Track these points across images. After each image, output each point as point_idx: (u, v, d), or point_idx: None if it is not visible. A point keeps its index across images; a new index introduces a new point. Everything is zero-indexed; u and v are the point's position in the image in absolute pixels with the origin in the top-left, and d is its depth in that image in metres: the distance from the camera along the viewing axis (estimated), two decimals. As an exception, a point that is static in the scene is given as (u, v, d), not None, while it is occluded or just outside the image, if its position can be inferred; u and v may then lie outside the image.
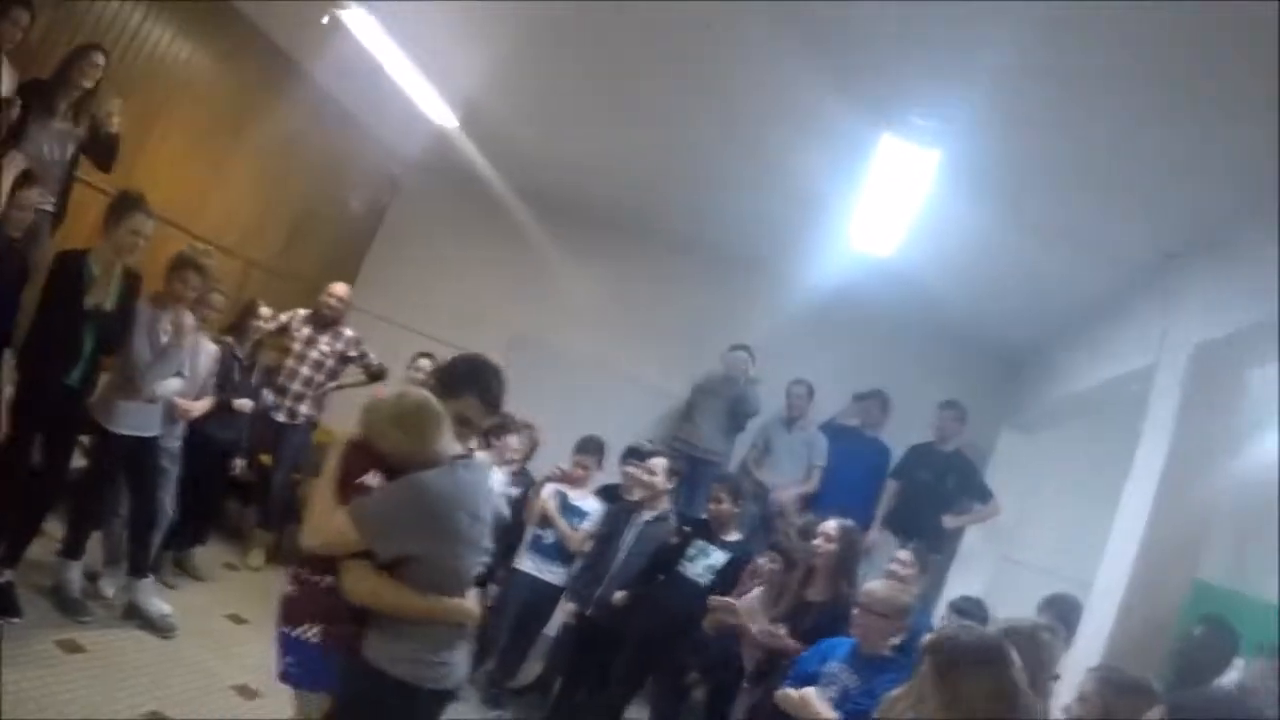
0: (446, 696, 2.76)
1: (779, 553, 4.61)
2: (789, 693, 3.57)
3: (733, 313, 7.10)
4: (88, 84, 4.72)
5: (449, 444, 2.71)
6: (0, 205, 3.81)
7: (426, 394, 2.73)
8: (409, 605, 2.62)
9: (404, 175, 8.54)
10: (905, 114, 3.97)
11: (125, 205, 4.30)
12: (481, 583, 2.91)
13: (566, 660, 5.71)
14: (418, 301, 8.10)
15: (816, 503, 6.36)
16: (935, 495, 6.39)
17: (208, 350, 5.20)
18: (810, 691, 3.53)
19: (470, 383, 2.81)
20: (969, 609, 4.44)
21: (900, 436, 6.77)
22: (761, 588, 4.48)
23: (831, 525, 4.25)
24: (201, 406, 5.15)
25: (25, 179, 3.96)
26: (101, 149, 4.83)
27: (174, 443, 5.07)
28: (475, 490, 2.75)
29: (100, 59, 4.74)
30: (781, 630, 4.11)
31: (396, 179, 8.55)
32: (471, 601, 2.76)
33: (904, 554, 4.76)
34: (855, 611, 3.65)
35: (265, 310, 5.85)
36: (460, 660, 2.76)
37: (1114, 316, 5.14)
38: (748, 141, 5.20)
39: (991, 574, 6.04)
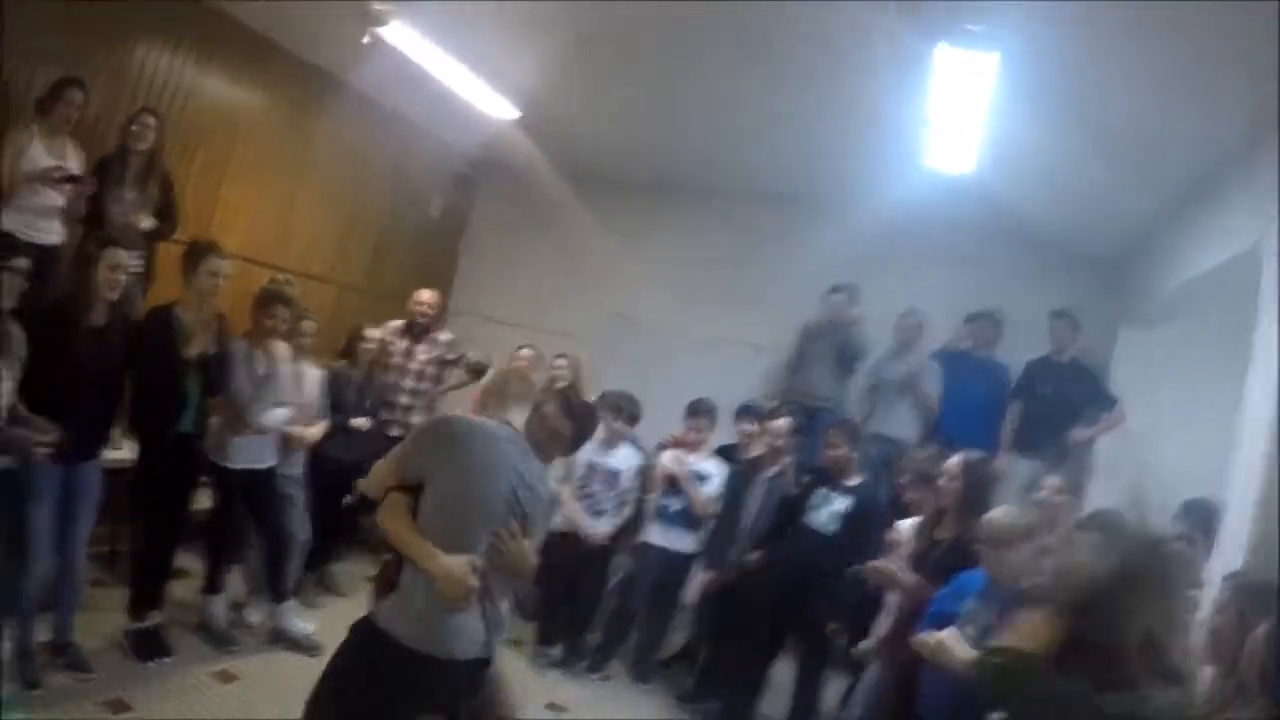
0: (443, 665, 2.67)
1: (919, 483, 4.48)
2: (925, 636, 3.41)
3: (819, 254, 6.91)
4: (143, 146, 4.91)
5: (516, 416, 2.89)
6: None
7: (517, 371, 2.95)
8: (404, 538, 2.67)
9: (476, 174, 8.61)
10: (958, 23, 3.81)
11: (199, 252, 4.41)
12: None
13: (708, 627, 5.70)
14: (513, 295, 8.19)
15: (938, 433, 6.21)
16: (1060, 409, 6.11)
17: (312, 376, 5.33)
18: (948, 634, 3.34)
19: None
20: (1103, 524, 4.18)
21: (1012, 356, 6.51)
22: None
23: (954, 462, 4.03)
24: (315, 432, 5.29)
25: (108, 241, 4.09)
26: (162, 223, 5.08)
27: (295, 470, 5.22)
28: (498, 443, 2.78)
29: (151, 120, 4.93)
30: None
31: (469, 179, 8.62)
32: (456, 563, 2.62)
33: (1053, 479, 4.48)
34: (979, 545, 3.49)
35: (371, 332, 5.96)
36: (457, 632, 2.67)
37: (1212, 199, 4.83)
38: (803, 78, 5.03)
39: (1129, 485, 5.77)
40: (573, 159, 7.59)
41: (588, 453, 5.53)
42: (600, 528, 5.54)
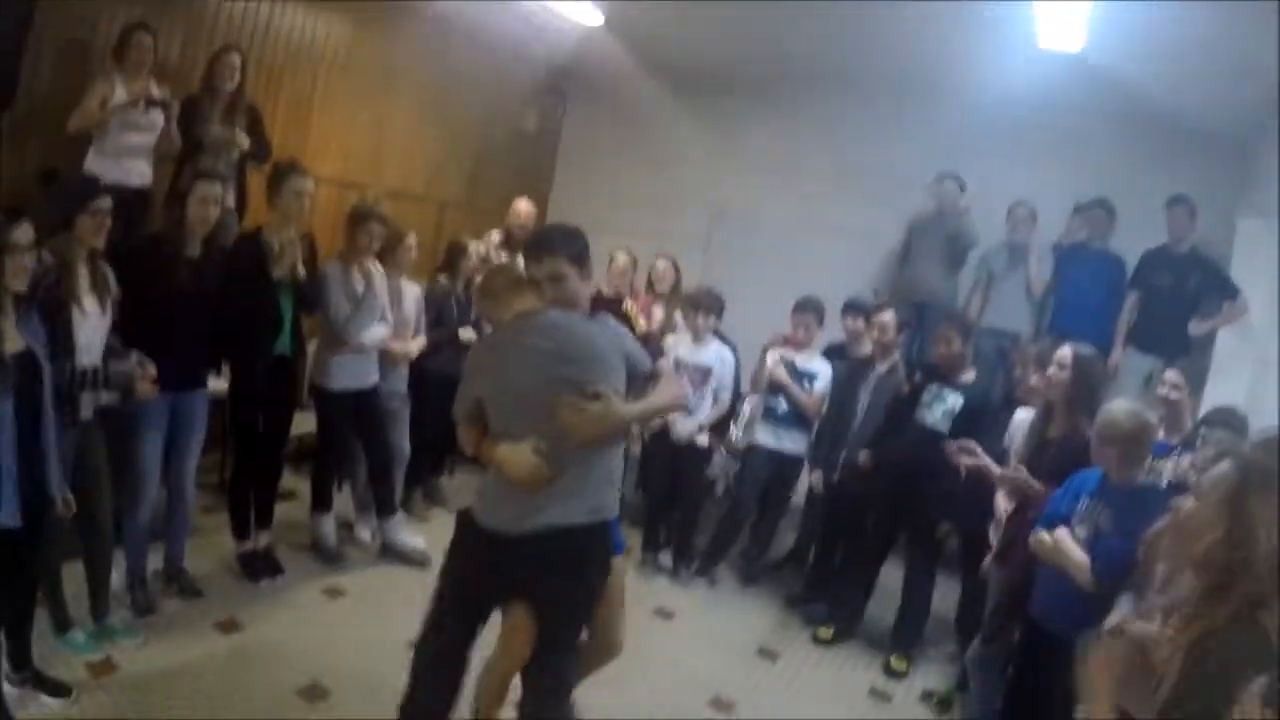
0: (514, 540, 2.77)
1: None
2: (1041, 537, 3.29)
3: (926, 141, 6.58)
4: (230, 86, 4.93)
5: (518, 305, 2.90)
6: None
7: (499, 264, 2.93)
8: (475, 446, 2.91)
9: (567, 84, 8.45)
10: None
11: (281, 173, 4.38)
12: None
13: (817, 529, 5.61)
14: (612, 202, 8.01)
15: (1051, 326, 5.90)
16: (1178, 300, 5.75)
17: (412, 292, 5.30)
18: (1062, 534, 3.22)
19: (553, 244, 2.88)
20: (1229, 421, 3.84)
21: (1128, 247, 6.11)
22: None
23: (1065, 351, 3.79)
24: (416, 346, 5.28)
25: (201, 174, 4.11)
26: (255, 150, 5.10)
27: (399, 385, 5.24)
28: (505, 344, 2.89)
29: (236, 59, 4.94)
30: (1021, 470, 3.80)
31: (561, 89, 8.48)
32: (515, 447, 2.73)
33: (1173, 374, 4.17)
34: (1093, 441, 3.29)
35: (474, 246, 5.94)
36: (528, 507, 2.73)
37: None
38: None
39: (1249, 382, 5.37)
40: (664, 60, 7.34)
41: (676, 350, 5.46)
42: (689, 425, 5.44)
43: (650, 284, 6.14)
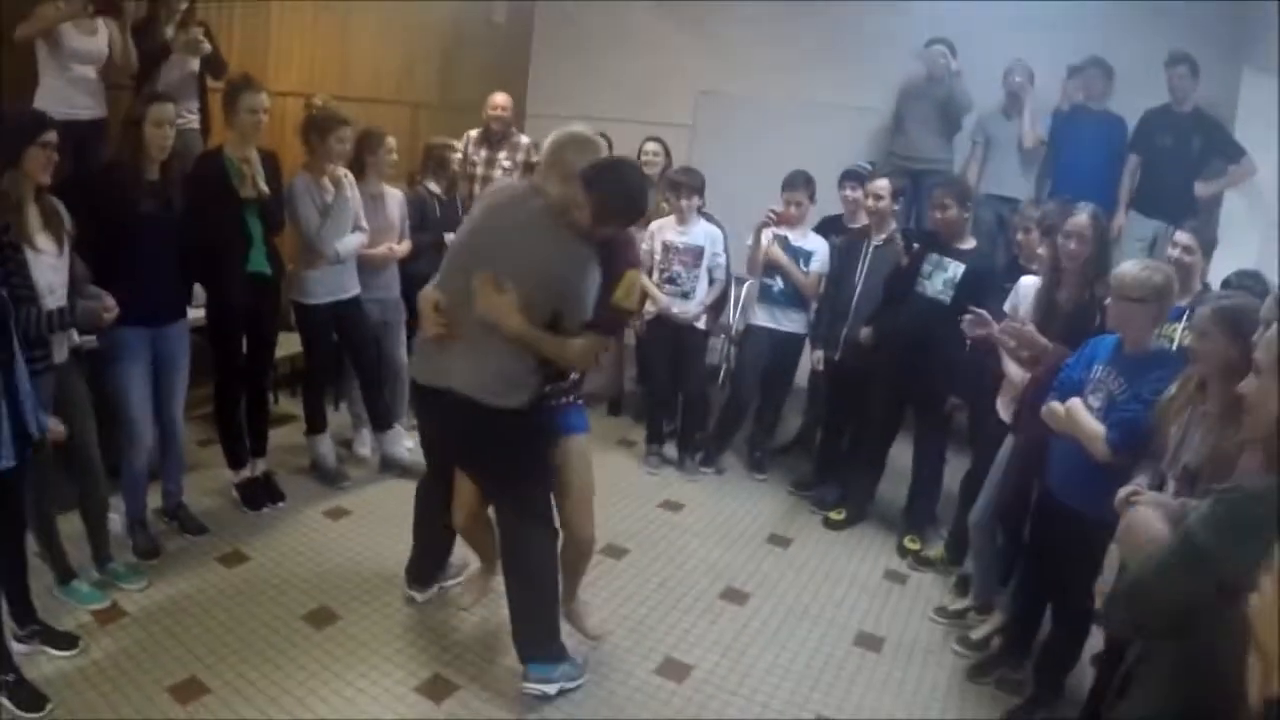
0: (430, 393, 3.16)
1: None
2: (1054, 407, 3.19)
3: (913, 11, 6.33)
4: (182, 7, 4.70)
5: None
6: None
7: None
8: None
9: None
10: None
11: (235, 90, 4.21)
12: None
13: (823, 410, 5.52)
14: (592, 90, 7.75)
15: (1052, 191, 5.71)
16: (1181, 162, 5.55)
17: (393, 197, 5.11)
18: (1075, 403, 3.12)
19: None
20: (1247, 284, 3.68)
21: (1128, 108, 5.88)
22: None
23: (1081, 218, 3.63)
24: (401, 250, 5.10)
25: (152, 98, 3.92)
26: (210, 68, 4.88)
27: (389, 293, 5.07)
28: (491, 199, 3.38)
29: None
30: (1027, 325, 3.67)
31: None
32: (423, 292, 3.23)
33: (1184, 236, 3.98)
34: (1108, 301, 3.16)
35: (456, 144, 5.74)
36: (447, 368, 3.09)
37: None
38: None
39: (1258, 245, 5.19)
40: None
41: (663, 234, 5.33)
42: (689, 307, 5.32)
43: (643, 168, 5.93)
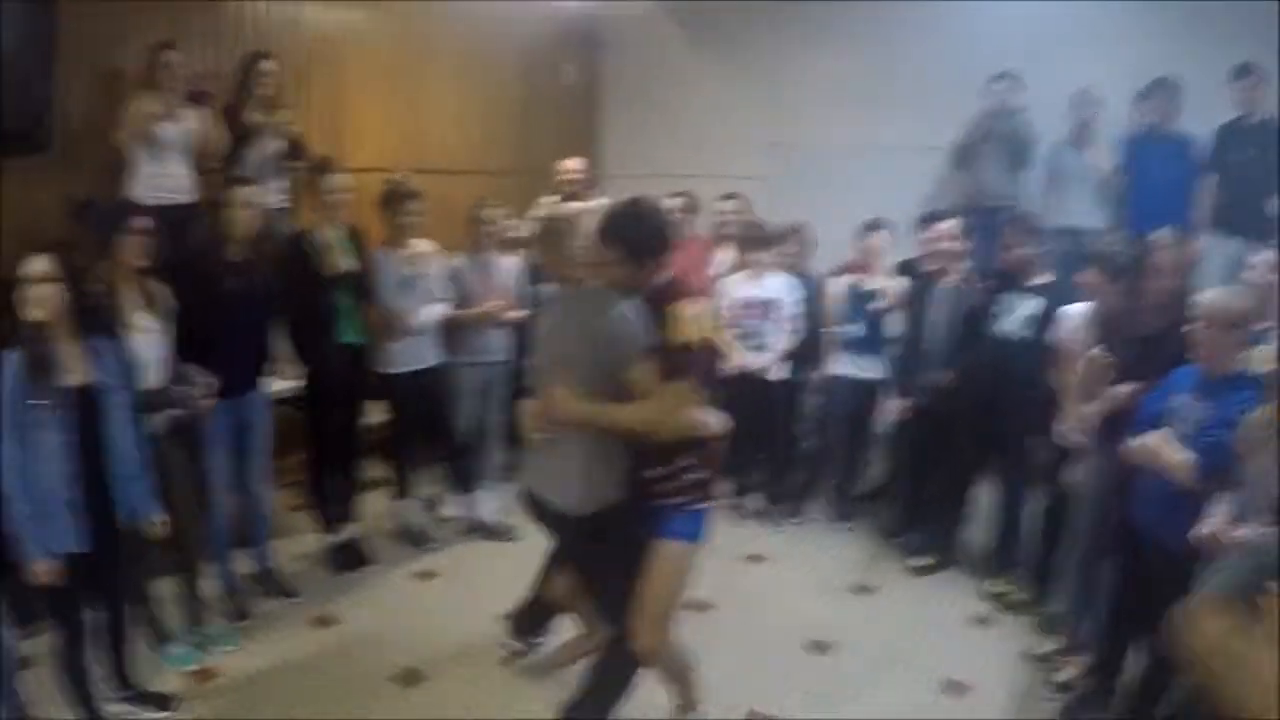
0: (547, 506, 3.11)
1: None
2: (1137, 441, 3.14)
3: (975, 45, 6.31)
4: (269, 93, 4.95)
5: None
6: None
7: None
8: None
9: (601, 31, 8.28)
10: None
11: (318, 173, 4.49)
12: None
13: (905, 456, 5.46)
14: (663, 147, 7.87)
15: (1129, 218, 5.62)
16: (1259, 177, 5.38)
17: (506, 264, 5.14)
18: (1158, 436, 3.07)
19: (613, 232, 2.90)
20: None
21: (1199, 127, 5.75)
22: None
23: (1161, 246, 3.67)
24: (494, 308, 4.96)
25: (236, 181, 4.14)
26: (293, 151, 5.08)
27: (491, 358, 5.05)
28: (550, 307, 3.35)
29: (268, 65, 4.94)
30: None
31: (596, 37, 8.31)
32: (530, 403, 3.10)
33: (1264, 256, 3.81)
34: (1193, 328, 3.09)
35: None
36: (551, 480, 3.07)
37: None
38: None
39: None
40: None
41: (736, 288, 5.34)
42: (760, 358, 5.31)
43: (722, 225, 6.02)
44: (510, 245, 5.30)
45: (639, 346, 2.83)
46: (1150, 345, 3.56)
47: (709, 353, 2.83)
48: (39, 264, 2.92)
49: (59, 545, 2.93)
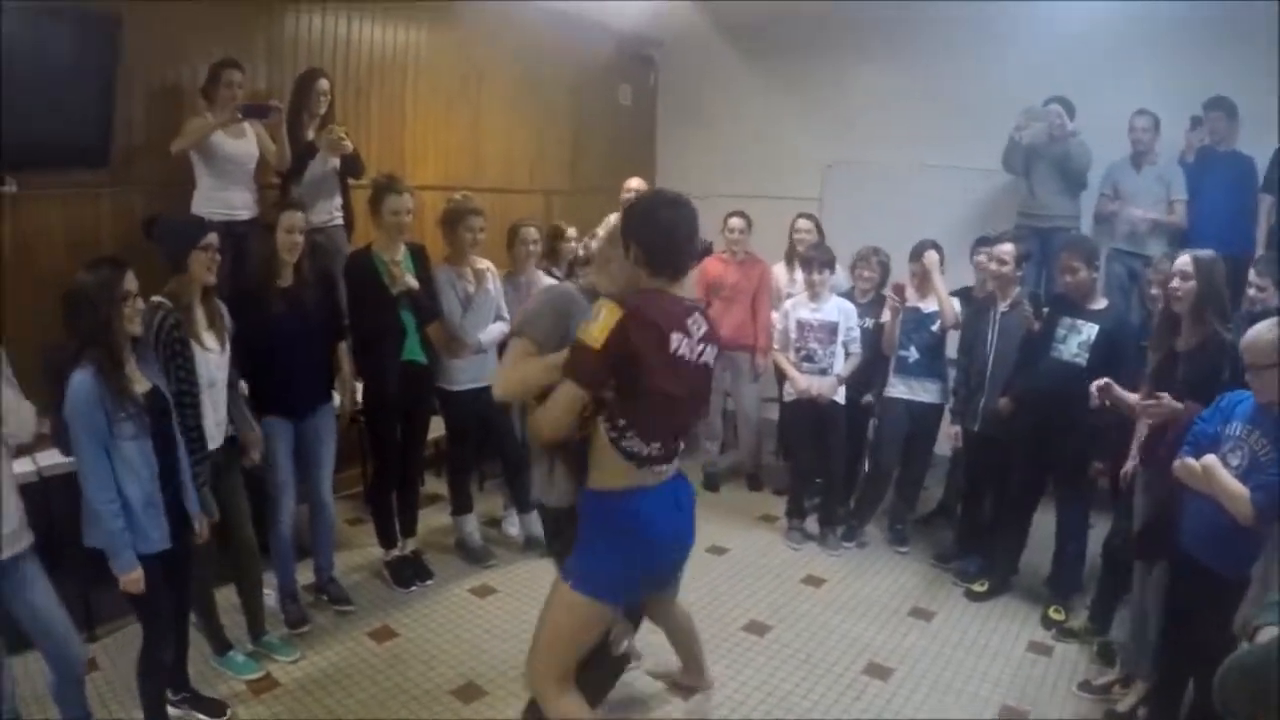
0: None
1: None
2: (1188, 463, 3.08)
3: (1029, 68, 6.27)
4: (322, 111, 5.03)
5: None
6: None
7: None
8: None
9: (656, 53, 8.36)
10: None
11: (381, 192, 4.47)
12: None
13: (963, 480, 5.42)
14: (721, 167, 7.94)
15: (1185, 241, 5.51)
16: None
17: (542, 284, 5.21)
18: (1212, 461, 3.00)
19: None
20: None
21: (1256, 149, 5.60)
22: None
23: (1184, 259, 3.59)
24: None
25: (283, 206, 4.19)
26: (349, 168, 5.13)
27: None
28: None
29: (325, 84, 5.02)
30: (1163, 397, 3.53)
31: (652, 59, 8.40)
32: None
33: None
34: (1248, 367, 3.01)
35: (571, 230, 5.92)
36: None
37: None
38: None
39: None
40: (748, 16, 7.22)
41: (797, 312, 5.36)
42: (823, 382, 5.30)
43: (792, 246, 6.08)
44: (577, 264, 5.40)
45: (522, 323, 2.84)
46: (1194, 359, 3.56)
47: (592, 356, 2.49)
48: (133, 280, 2.99)
49: (148, 547, 3.01)
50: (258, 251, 3.94)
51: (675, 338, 2.57)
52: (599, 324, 2.48)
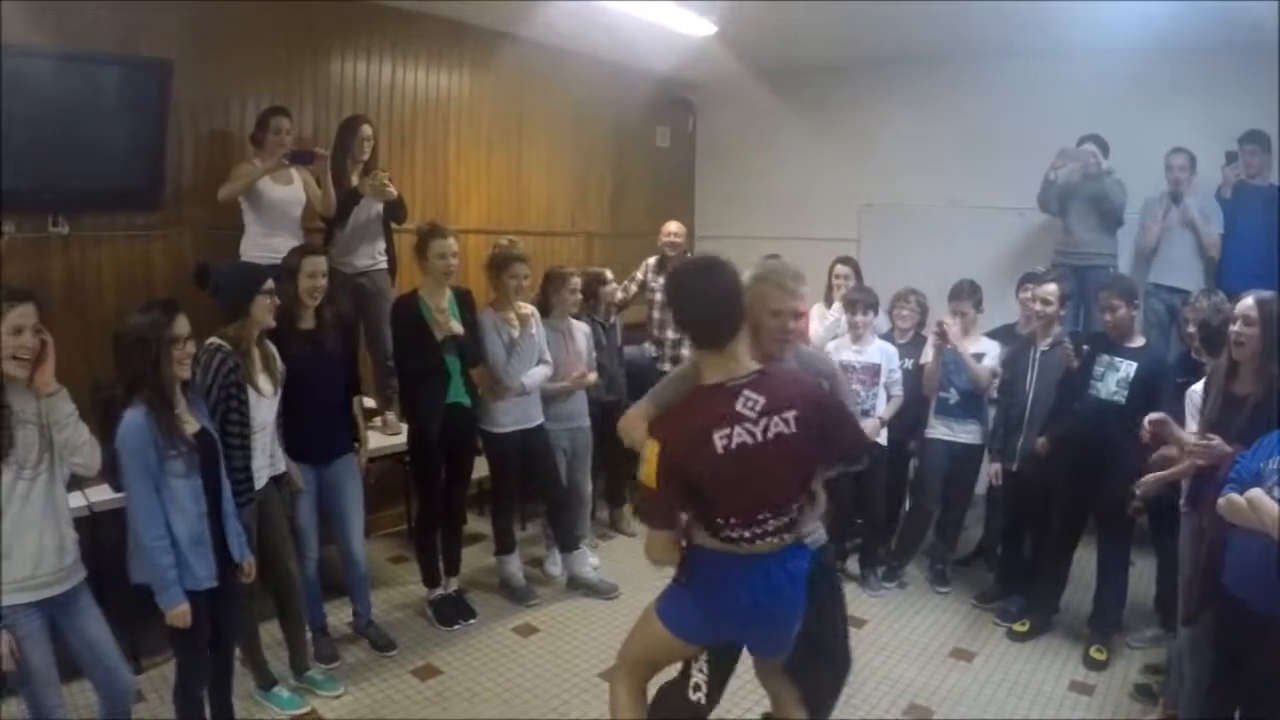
0: None
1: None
2: (1232, 498, 3.03)
3: (1064, 104, 6.33)
4: (366, 156, 5.12)
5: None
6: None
7: None
8: None
9: (693, 97, 8.50)
10: None
11: (426, 237, 4.56)
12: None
13: (1003, 520, 5.42)
14: (757, 208, 8.04)
15: (1222, 276, 5.51)
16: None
17: (580, 329, 5.39)
18: (1258, 492, 2.97)
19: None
20: None
21: None
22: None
23: (1247, 303, 3.48)
24: (592, 377, 5.35)
25: (305, 251, 4.21)
26: (392, 212, 5.21)
27: (578, 423, 5.35)
28: None
29: (367, 129, 5.10)
30: (1214, 439, 3.56)
31: (689, 103, 8.53)
32: None
33: None
34: None
35: (608, 274, 6.02)
36: None
37: None
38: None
39: None
40: (783, 59, 7.33)
41: (840, 354, 5.30)
42: (866, 424, 5.18)
43: (831, 288, 6.06)
44: (617, 307, 5.48)
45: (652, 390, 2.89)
46: (1243, 404, 3.50)
47: (653, 497, 2.59)
48: (185, 324, 3.08)
49: (195, 583, 3.08)
50: (279, 294, 4.01)
51: (721, 435, 2.50)
52: (646, 464, 2.52)
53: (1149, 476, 3.82)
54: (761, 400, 2.52)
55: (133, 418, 2.96)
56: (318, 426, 4.16)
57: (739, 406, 2.51)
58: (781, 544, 2.65)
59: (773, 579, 2.67)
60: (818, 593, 2.89)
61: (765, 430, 2.52)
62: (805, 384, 2.62)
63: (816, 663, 3.12)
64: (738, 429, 2.50)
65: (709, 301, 2.57)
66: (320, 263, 4.11)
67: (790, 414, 2.54)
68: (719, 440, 2.48)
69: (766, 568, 2.65)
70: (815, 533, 2.95)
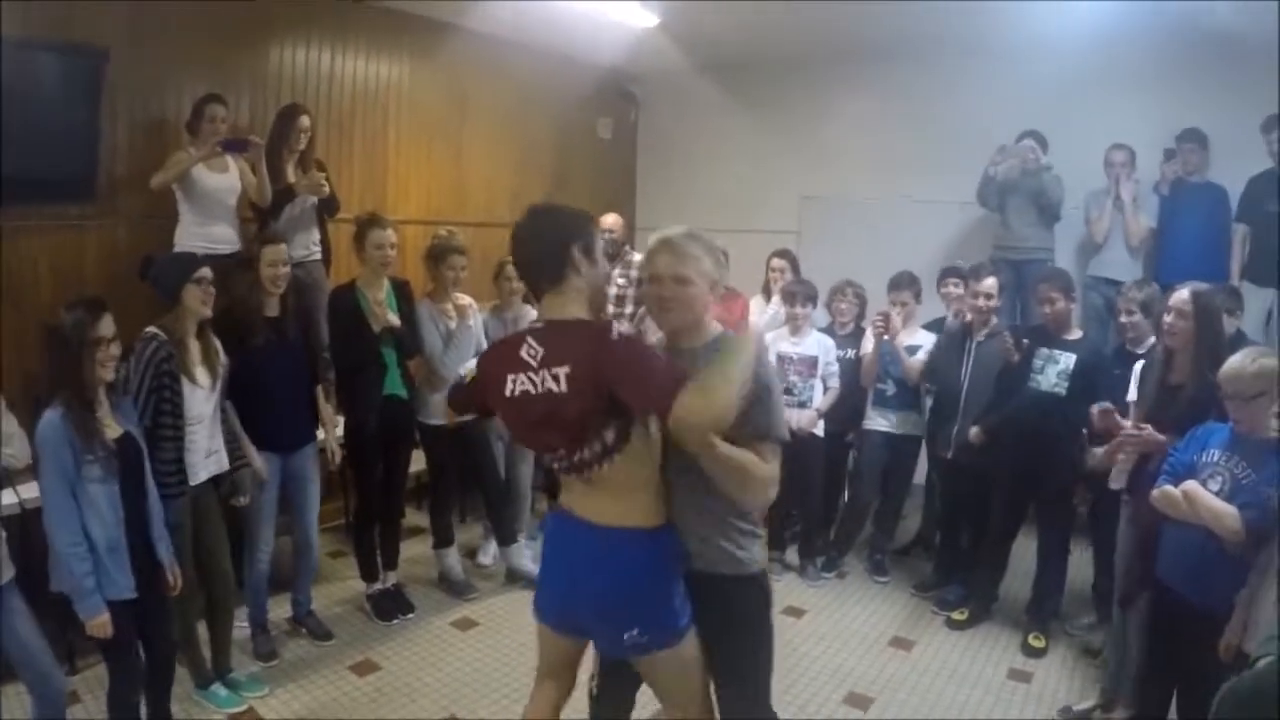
0: None
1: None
2: (1168, 490, 3.09)
3: (1005, 101, 6.39)
4: (303, 147, 5.01)
5: None
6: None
7: None
8: None
9: (635, 88, 8.47)
10: None
11: (365, 228, 4.51)
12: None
13: (941, 510, 5.49)
14: (699, 200, 7.98)
15: (1158, 271, 5.61)
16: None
17: (530, 318, 5.31)
18: (1194, 484, 3.02)
19: None
20: None
21: (1229, 180, 5.71)
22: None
23: (1182, 294, 3.56)
24: None
25: (265, 239, 4.21)
26: (325, 205, 5.12)
27: None
28: None
29: (306, 121, 4.98)
30: (1145, 428, 3.59)
31: (632, 94, 8.50)
32: None
33: None
34: (1225, 398, 3.05)
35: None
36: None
37: None
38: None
39: None
40: (727, 52, 7.29)
41: (778, 345, 5.33)
42: (803, 415, 5.26)
43: (768, 281, 6.07)
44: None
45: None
46: (1178, 394, 3.57)
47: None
48: (110, 325, 2.99)
49: (115, 593, 2.99)
50: (240, 284, 3.93)
51: (511, 379, 2.44)
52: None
53: (1098, 449, 3.87)
54: (541, 351, 2.40)
55: (50, 417, 2.89)
56: (284, 415, 4.13)
57: (522, 353, 2.42)
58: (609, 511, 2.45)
59: (580, 540, 2.50)
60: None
61: (542, 382, 2.39)
62: (589, 340, 2.37)
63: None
64: (522, 376, 2.42)
65: (522, 246, 2.51)
66: (281, 251, 4.06)
67: (561, 370, 2.36)
68: (509, 384, 2.44)
69: (577, 528, 2.50)
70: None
